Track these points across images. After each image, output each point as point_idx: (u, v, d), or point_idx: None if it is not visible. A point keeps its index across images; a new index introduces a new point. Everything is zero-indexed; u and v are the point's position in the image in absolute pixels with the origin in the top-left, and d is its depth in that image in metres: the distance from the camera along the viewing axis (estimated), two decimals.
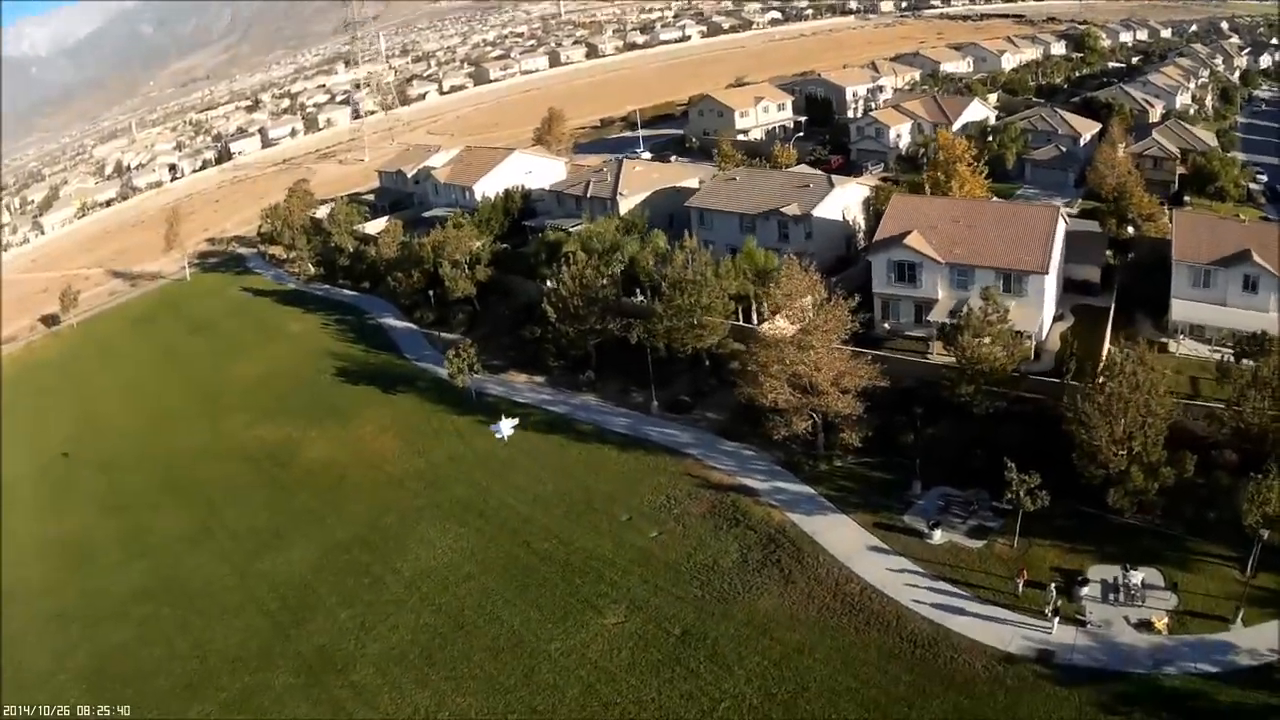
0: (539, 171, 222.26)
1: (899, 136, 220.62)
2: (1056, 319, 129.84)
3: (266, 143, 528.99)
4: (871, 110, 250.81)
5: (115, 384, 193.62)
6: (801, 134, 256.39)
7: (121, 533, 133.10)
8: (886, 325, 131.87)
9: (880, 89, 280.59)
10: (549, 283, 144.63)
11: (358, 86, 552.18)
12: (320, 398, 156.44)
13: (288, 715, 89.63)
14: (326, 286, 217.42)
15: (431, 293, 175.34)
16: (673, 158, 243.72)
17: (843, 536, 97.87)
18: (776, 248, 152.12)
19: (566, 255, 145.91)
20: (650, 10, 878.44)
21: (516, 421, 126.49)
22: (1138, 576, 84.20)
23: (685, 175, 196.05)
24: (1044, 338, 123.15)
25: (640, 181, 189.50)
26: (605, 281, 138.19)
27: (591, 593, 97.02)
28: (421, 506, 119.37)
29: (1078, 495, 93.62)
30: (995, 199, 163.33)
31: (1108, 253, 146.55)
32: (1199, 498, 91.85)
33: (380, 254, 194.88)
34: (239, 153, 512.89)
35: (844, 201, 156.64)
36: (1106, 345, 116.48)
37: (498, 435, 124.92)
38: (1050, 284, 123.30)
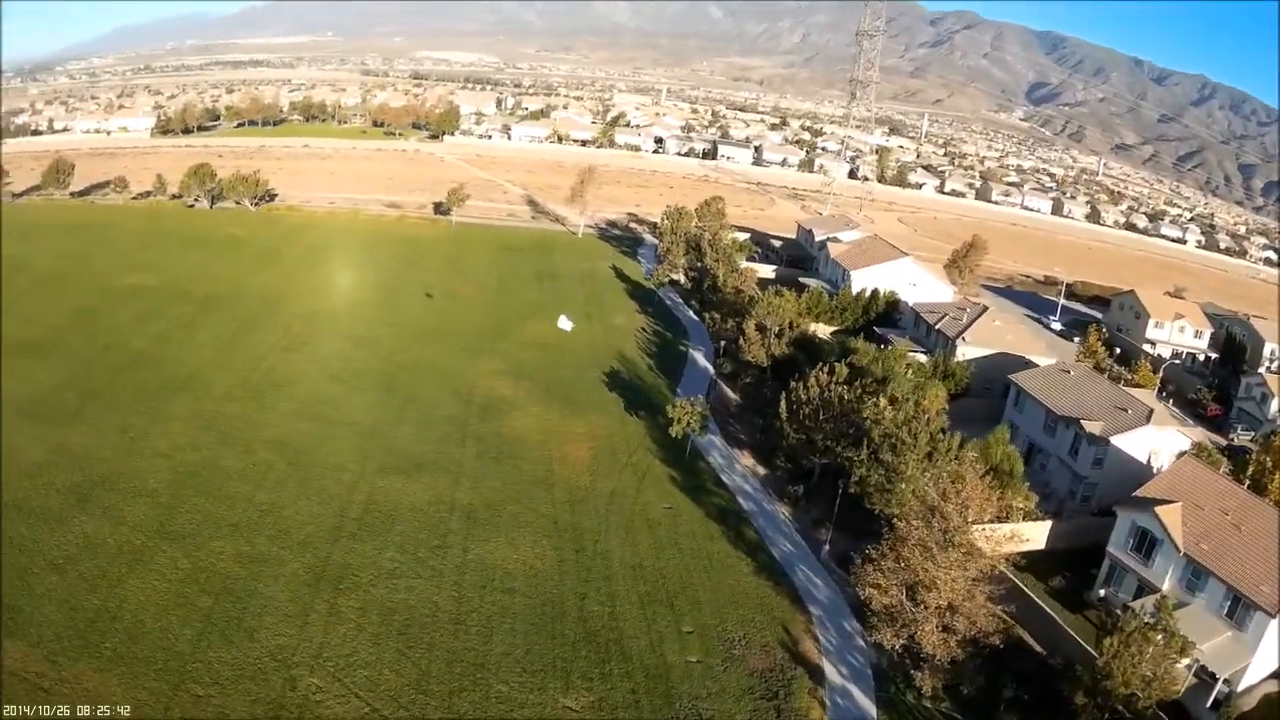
0: (924, 287, 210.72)
1: None
2: (1274, 675, 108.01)
3: (757, 160, 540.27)
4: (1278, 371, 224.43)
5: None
6: (1206, 369, 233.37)
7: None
8: (1102, 592, 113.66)
9: None
10: (794, 381, 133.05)
11: (874, 151, 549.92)
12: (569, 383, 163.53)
13: None
14: (674, 296, 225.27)
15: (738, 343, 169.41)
16: (1075, 340, 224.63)
17: None
18: (1041, 461, 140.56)
19: (831, 365, 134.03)
20: (1174, 205, 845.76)
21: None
22: None
23: (1037, 349, 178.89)
24: (1238, 689, 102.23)
25: (988, 336, 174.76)
26: (847, 398, 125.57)
27: None
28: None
29: None
30: None
31: None
32: None
33: (724, 289, 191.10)
34: (725, 157, 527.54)
35: (1155, 444, 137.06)
36: None
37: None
38: (1276, 631, 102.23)
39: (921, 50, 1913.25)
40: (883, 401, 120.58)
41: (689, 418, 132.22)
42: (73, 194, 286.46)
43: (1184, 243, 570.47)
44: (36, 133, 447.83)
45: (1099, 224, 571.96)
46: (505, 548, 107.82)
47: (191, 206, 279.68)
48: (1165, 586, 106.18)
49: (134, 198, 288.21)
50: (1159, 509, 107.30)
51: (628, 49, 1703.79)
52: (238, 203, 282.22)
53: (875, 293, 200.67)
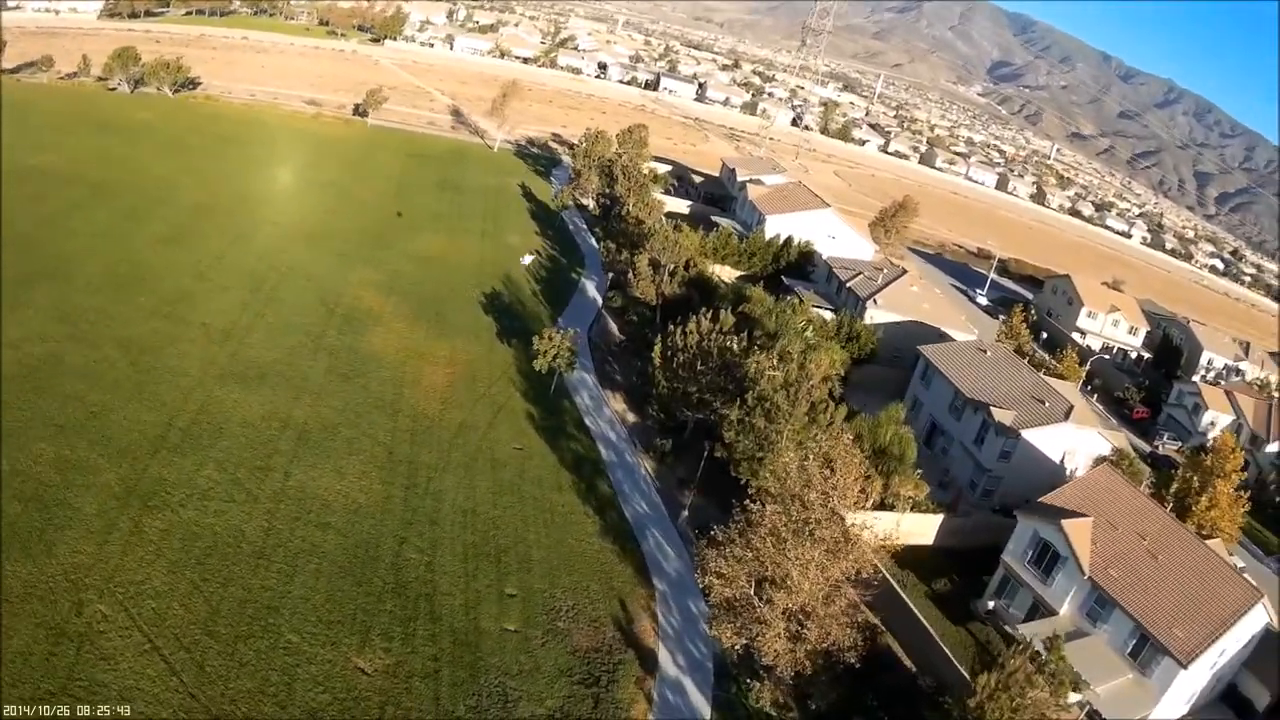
0: (844, 241, 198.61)
1: (1212, 424, 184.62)
2: None
3: (699, 97, 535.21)
4: (1213, 382, 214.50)
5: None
6: (1138, 368, 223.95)
7: None
8: (991, 604, 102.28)
9: (1239, 372, 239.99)
10: (673, 326, 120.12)
11: (821, 104, 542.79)
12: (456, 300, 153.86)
13: None
14: (579, 221, 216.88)
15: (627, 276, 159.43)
16: (1000, 319, 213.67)
17: None
18: (943, 445, 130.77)
19: (716, 311, 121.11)
20: (1123, 199, 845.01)
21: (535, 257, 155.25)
22: None
23: (956, 322, 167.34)
24: None
25: (903, 301, 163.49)
26: (733, 349, 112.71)
27: None
28: None
29: None
30: (1218, 545, 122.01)
31: None
32: None
33: (628, 218, 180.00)
34: (667, 90, 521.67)
35: (1071, 443, 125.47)
36: None
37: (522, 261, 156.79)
38: (1188, 682, 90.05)
39: (888, 14, 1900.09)
40: (765, 358, 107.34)
41: (556, 351, 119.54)
42: (4, 71, 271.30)
43: (1129, 237, 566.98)
44: None
45: (1043, 205, 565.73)
46: (330, 476, 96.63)
47: (113, 90, 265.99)
48: (1063, 610, 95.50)
49: (60, 78, 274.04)
50: (1066, 522, 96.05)
51: None
52: (158, 89, 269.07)
53: (789, 240, 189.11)
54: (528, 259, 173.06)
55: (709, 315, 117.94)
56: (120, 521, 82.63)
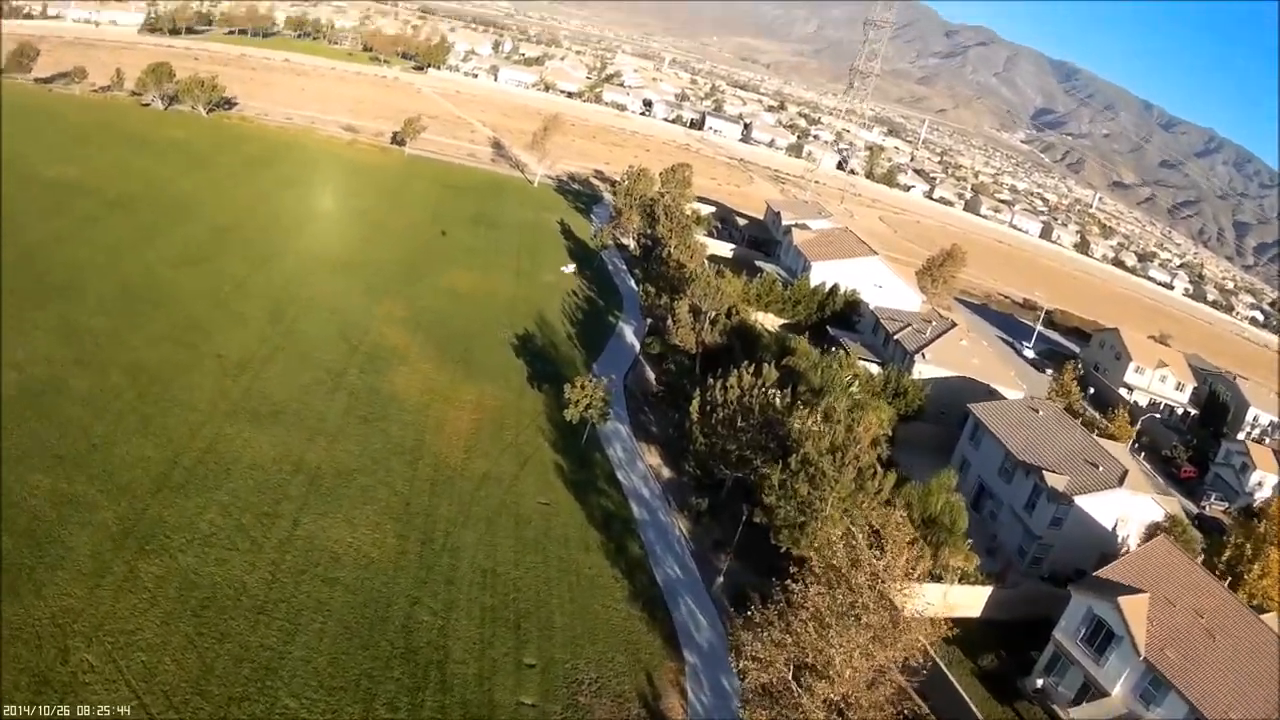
0: (891, 290, 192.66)
1: (1259, 485, 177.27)
2: None
3: (745, 138, 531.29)
4: (1258, 439, 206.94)
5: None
6: (1184, 425, 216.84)
7: None
8: (1040, 682, 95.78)
9: None
10: (712, 379, 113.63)
11: (866, 147, 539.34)
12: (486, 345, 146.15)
13: None
14: (619, 261, 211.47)
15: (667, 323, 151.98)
16: (1048, 372, 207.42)
17: None
18: (991, 509, 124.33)
19: (759, 365, 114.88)
20: (1164, 249, 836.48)
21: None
22: None
23: (1005, 378, 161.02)
24: None
25: (952, 355, 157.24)
26: (776, 405, 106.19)
27: None
28: None
29: None
30: (1272, 620, 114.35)
31: None
32: None
33: (668, 260, 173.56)
34: (712, 129, 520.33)
35: (1125, 509, 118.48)
36: None
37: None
38: None
39: (933, 59, 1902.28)
40: (810, 416, 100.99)
41: (589, 401, 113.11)
42: (37, 80, 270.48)
43: (1171, 288, 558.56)
44: (29, 16, 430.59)
45: (1087, 255, 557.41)
46: (341, 526, 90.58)
47: (146, 106, 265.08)
48: (1115, 691, 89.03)
49: (93, 90, 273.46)
50: (1123, 600, 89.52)
51: (642, 14, 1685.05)
52: (192, 107, 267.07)
53: (834, 288, 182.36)
54: (569, 268, 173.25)
55: (751, 369, 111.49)
56: (115, 564, 77.67)
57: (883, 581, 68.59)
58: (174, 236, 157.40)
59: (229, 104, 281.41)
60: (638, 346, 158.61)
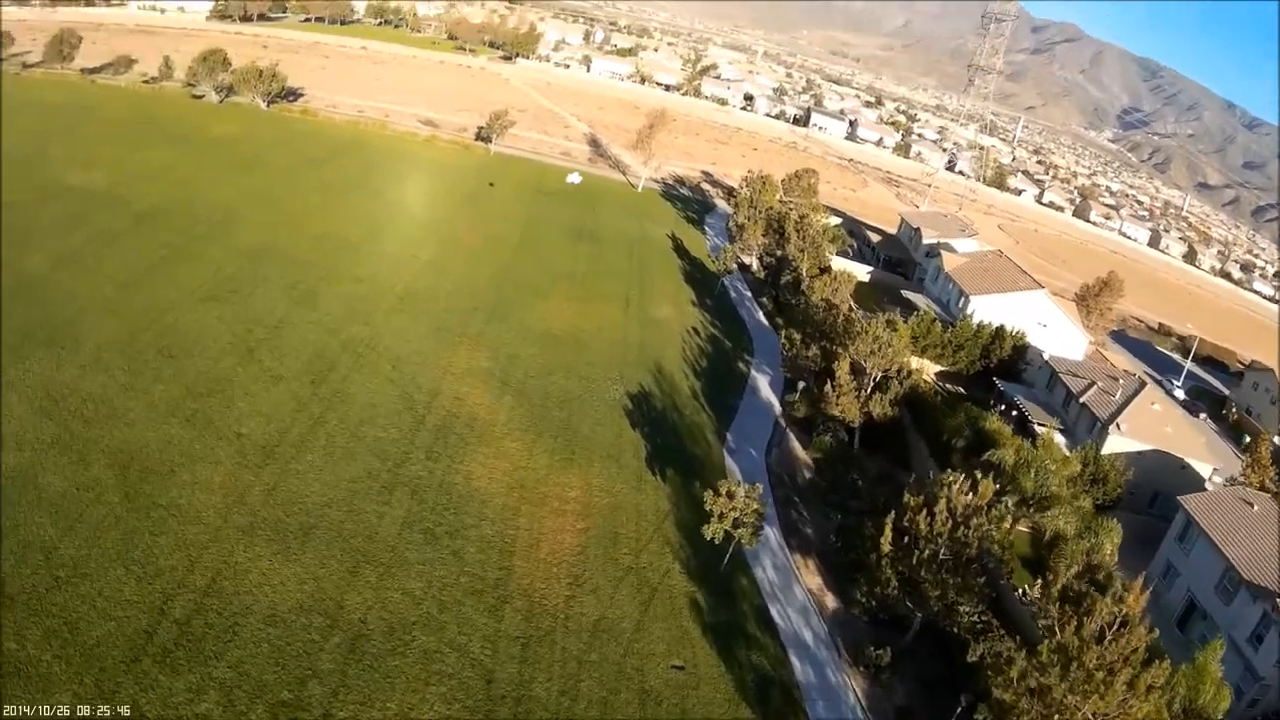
0: (1056, 329, 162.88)
1: None
2: None
3: (850, 136, 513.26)
4: None
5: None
6: None
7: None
8: None
9: None
10: (907, 496, 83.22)
11: (975, 147, 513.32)
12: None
13: None
14: (740, 286, 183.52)
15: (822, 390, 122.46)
16: (1203, 417, 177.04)
17: None
18: (1202, 632, 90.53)
19: (973, 475, 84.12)
20: (1255, 256, 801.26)
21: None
22: None
23: (1197, 448, 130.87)
24: None
25: (1147, 425, 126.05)
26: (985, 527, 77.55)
27: None
28: None
29: None
30: None
31: None
32: None
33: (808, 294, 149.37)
34: (818, 126, 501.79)
35: None
36: None
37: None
38: None
39: (1021, 55, 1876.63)
40: (1064, 566, 71.33)
41: (737, 515, 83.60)
42: (82, 70, 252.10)
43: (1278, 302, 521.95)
44: (90, 3, 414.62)
45: (1194, 265, 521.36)
46: None
47: (199, 98, 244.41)
48: None
49: (143, 81, 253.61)
50: None
51: (727, 7, 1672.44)
52: (252, 99, 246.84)
53: (1000, 331, 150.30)
54: (576, 178, 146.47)
55: (964, 483, 79.63)
56: None
57: None
58: (203, 260, 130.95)
59: (294, 95, 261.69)
60: (776, 406, 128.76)
